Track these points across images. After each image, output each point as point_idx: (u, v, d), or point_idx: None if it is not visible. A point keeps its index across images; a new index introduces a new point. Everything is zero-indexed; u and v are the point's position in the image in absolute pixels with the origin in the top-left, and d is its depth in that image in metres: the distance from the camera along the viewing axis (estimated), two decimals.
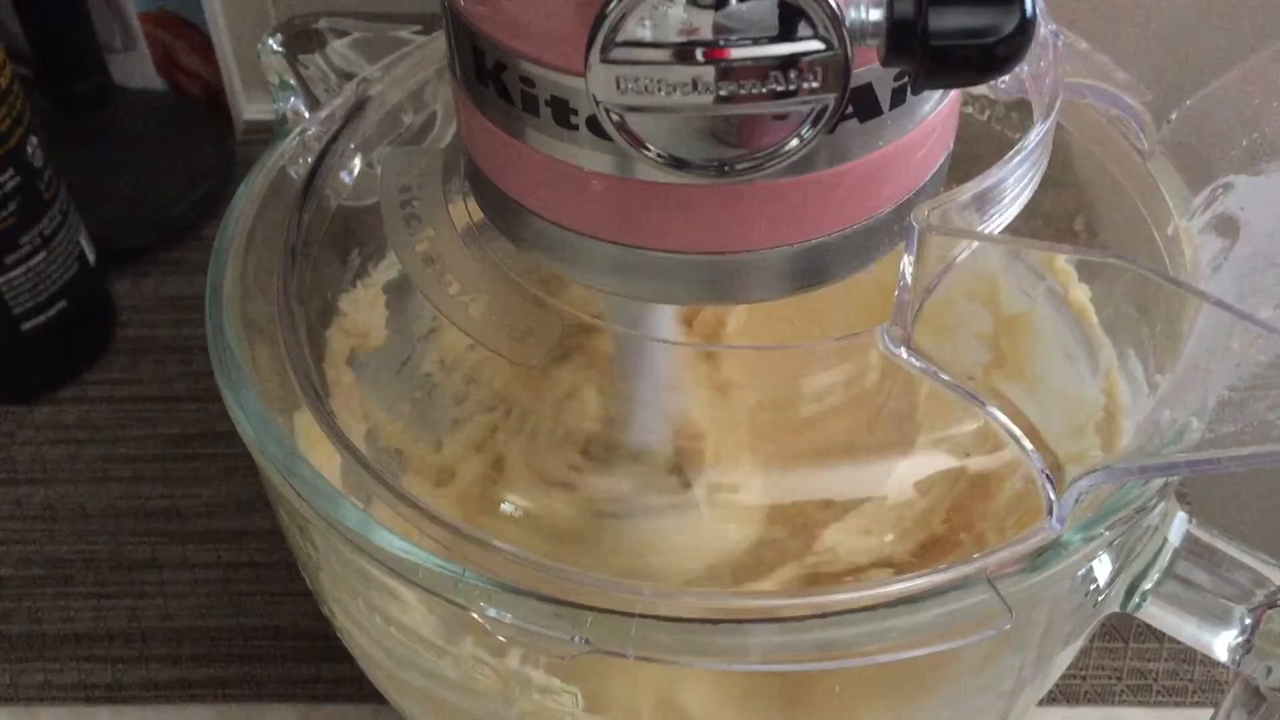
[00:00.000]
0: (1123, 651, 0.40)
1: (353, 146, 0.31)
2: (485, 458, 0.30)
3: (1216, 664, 0.32)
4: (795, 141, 0.20)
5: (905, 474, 0.28)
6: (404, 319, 0.32)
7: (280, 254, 0.29)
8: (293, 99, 0.32)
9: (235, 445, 0.26)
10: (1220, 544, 0.26)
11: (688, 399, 0.29)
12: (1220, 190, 0.27)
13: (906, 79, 0.22)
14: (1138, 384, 0.30)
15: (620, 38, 0.19)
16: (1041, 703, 0.35)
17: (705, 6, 0.19)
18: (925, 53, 0.19)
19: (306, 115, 0.31)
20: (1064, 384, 0.31)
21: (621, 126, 0.20)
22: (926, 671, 0.27)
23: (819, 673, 0.26)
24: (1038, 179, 0.25)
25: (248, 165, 0.31)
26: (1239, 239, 0.26)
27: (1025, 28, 0.19)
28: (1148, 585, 0.26)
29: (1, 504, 0.45)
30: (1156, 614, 0.26)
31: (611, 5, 0.19)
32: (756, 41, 0.19)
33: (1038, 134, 0.24)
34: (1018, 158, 0.24)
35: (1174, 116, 0.28)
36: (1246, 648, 0.26)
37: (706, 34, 0.19)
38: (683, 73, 0.19)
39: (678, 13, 0.19)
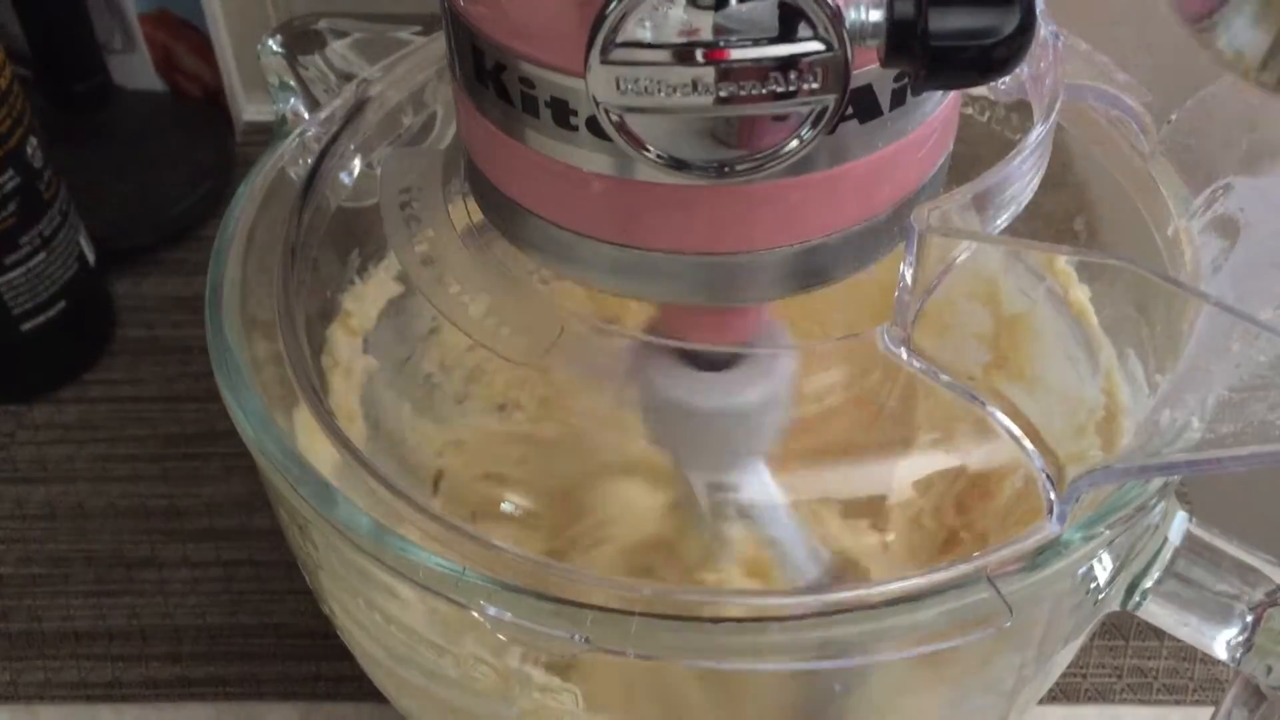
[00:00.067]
0: (1123, 650, 0.40)
1: (352, 147, 0.31)
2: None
3: (1217, 662, 0.32)
4: (795, 142, 0.20)
5: (905, 474, 0.28)
6: (404, 319, 0.32)
7: (280, 254, 0.29)
8: (292, 100, 0.32)
9: (235, 445, 0.26)
10: (1220, 543, 0.26)
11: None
12: (1220, 191, 0.27)
13: (906, 80, 0.22)
14: (1138, 384, 0.30)
15: (620, 38, 0.19)
16: (1042, 701, 0.35)
17: (705, 7, 0.19)
18: (925, 54, 0.19)
19: (306, 116, 0.31)
20: (1064, 384, 0.31)
21: (621, 127, 0.20)
22: (926, 671, 0.27)
23: (819, 672, 0.27)
24: (1038, 180, 0.25)
25: (248, 165, 0.31)
26: (1239, 239, 0.26)
27: (1025, 29, 0.19)
28: (1148, 584, 0.26)
29: (1, 503, 0.45)
30: (1157, 612, 0.27)
31: (611, 6, 0.19)
32: (756, 42, 0.19)
33: (1038, 135, 0.24)
34: (1018, 158, 0.24)
35: (1174, 117, 0.28)
36: (1247, 646, 0.26)
37: (706, 35, 0.19)
38: (682, 74, 0.19)
39: (678, 14, 0.19)
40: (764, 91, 0.19)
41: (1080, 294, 0.31)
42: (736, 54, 0.19)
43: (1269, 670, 0.26)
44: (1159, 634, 0.27)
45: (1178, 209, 0.29)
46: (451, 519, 0.25)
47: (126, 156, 0.54)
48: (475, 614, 0.24)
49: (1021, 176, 0.24)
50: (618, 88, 0.20)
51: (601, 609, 0.23)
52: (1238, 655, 0.26)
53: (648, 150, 0.21)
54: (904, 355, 0.24)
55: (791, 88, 0.19)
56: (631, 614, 0.23)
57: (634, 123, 0.20)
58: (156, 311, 0.51)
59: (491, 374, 0.31)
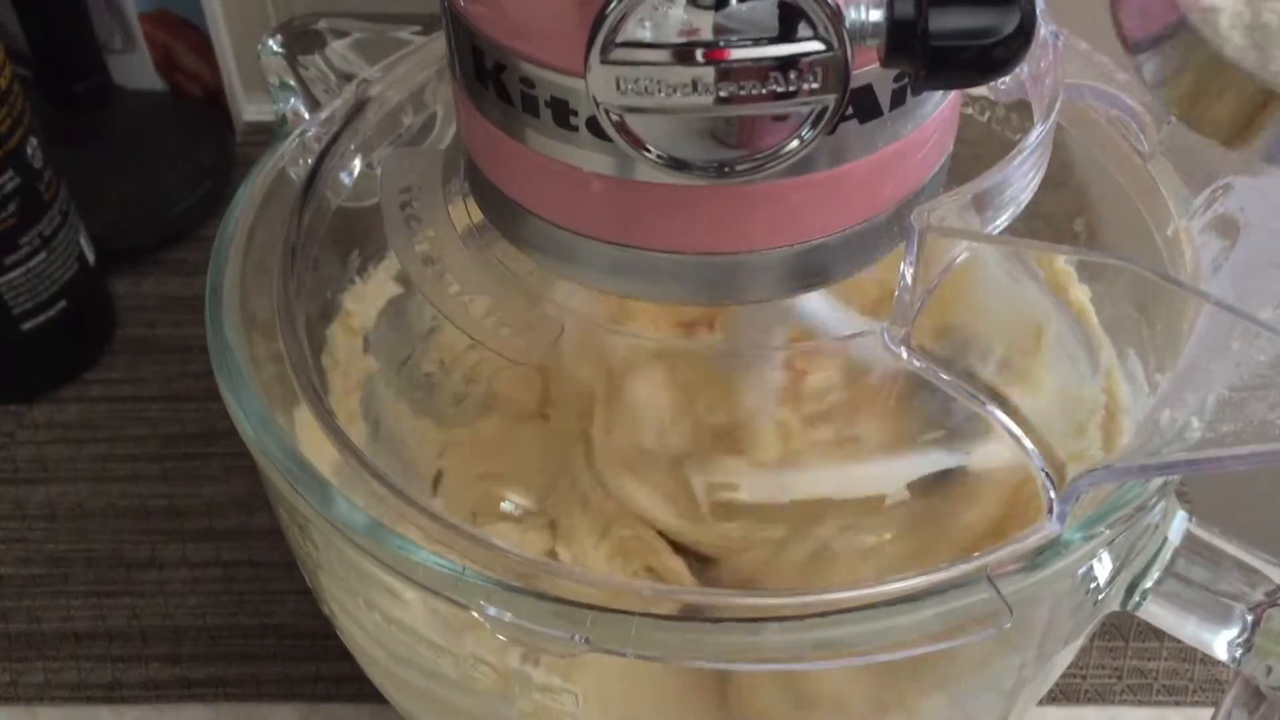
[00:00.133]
0: (1123, 651, 0.40)
1: (353, 147, 0.31)
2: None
3: (1217, 663, 0.32)
4: (795, 142, 0.20)
5: (904, 473, 0.28)
6: (404, 319, 0.32)
7: (280, 254, 0.29)
8: (293, 100, 0.32)
9: (235, 445, 0.26)
10: (1220, 543, 0.26)
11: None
12: (1220, 191, 0.27)
13: (906, 80, 0.22)
14: (1138, 384, 0.30)
15: (620, 38, 0.19)
16: (1042, 702, 0.35)
17: (705, 7, 0.19)
18: (925, 54, 0.19)
19: (306, 116, 0.31)
20: (1064, 383, 0.31)
21: (621, 127, 0.20)
22: (926, 671, 0.27)
23: (819, 672, 0.27)
24: (1038, 180, 0.25)
25: (248, 165, 0.31)
26: (1239, 239, 0.26)
27: (1025, 29, 0.19)
28: (1148, 584, 0.26)
29: (1, 503, 0.45)
30: (1157, 613, 0.27)
31: (611, 6, 0.19)
32: (756, 42, 0.19)
33: (1038, 135, 0.24)
34: (1018, 158, 0.24)
35: (1174, 117, 0.28)
36: (1247, 646, 0.26)
37: (706, 35, 0.19)
38: (682, 74, 0.19)
39: (678, 13, 0.19)
40: (764, 91, 0.19)
41: (1080, 293, 0.31)
42: (736, 54, 0.19)
43: (1269, 671, 0.26)
44: (1159, 635, 0.27)
45: (1178, 209, 0.29)
46: (451, 519, 0.25)
47: (126, 156, 0.54)
48: (475, 614, 0.24)
49: (1021, 176, 0.24)
50: (618, 88, 0.20)
51: (601, 609, 0.23)
52: (1237, 656, 0.26)
53: (648, 150, 0.21)
54: (904, 355, 0.24)
55: (791, 88, 0.19)
56: (631, 614, 0.23)
57: (634, 123, 0.20)
58: (156, 311, 0.51)
59: (491, 374, 0.31)
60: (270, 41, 0.32)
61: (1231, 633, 0.26)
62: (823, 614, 0.23)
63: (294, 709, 0.39)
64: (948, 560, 0.24)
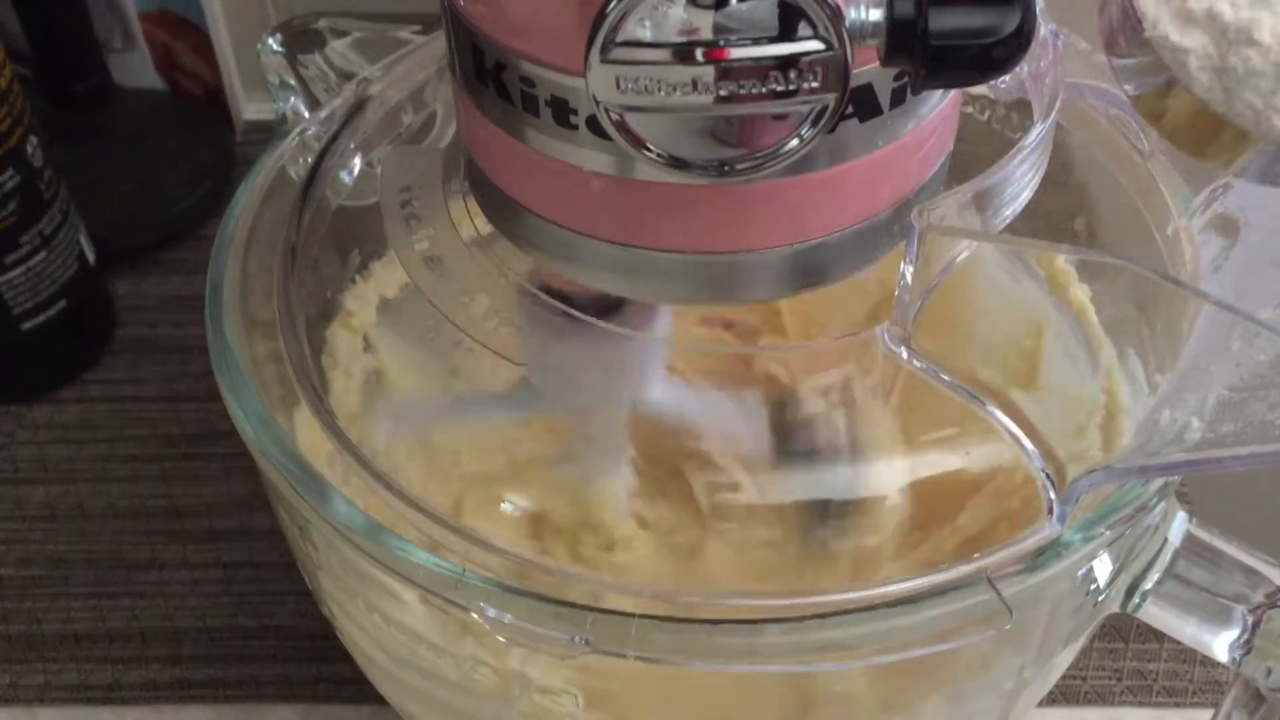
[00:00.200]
0: (1123, 652, 0.40)
1: (353, 146, 0.31)
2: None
3: (1216, 664, 0.32)
4: (795, 141, 0.20)
5: (905, 474, 0.28)
6: (404, 318, 0.32)
7: (280, 253, 0.29)
8: (293, 99, 0.32)
9: (235, 445, 0.26)
10: (1220, 544, 0.26)
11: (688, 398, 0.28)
12: (1220, 190, 0.27)
13: (906, 79, 0.22)
14: (1138, 384, 0.30)
15: (620, 38, 0.19)
16: (1042, 703, 0.35)
17: (705, 6, 0.19)
18: (925, 53, 0.19)
19: (306, 115, 0.31)
20: (1064, 384, 0.31)
21: (621, 126, 0.20)
22: (926, 671, 0.27)
23: (819, 673, 0.26)
24: (1038, 179, 0.24)
25: (248, 165, 0.31)
26: (1239, 238, 0.26)
27: (1025, 28, 0.19)
28: (1148, 585, 0.26)
29: (1, 504, 0.45)
30: (1157, 614, 0.26)
31: (611, 5, 0.19)
32: (756, 41, 0.19)
33: (1038, 134, 0.24)
34: (1018, 157, 0.24)
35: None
36: (1247, 648, 0.26)
37: (706, 34, 0.19)
38: (682, 73, 0.19)
39: (678, 13, 0.19)
40: (764, 90, 0.19)
41: (1080, 293, 0.31)
42: (736, 53, 0.19)
43: (1269, 672, 0.26)
44: (1159, 636, 0.27)
45: (1178, 208, 0.28)
46: (451, 519, 0.25)
47: (126, 156, 0.54)
48: (475, 615, 0.24)
49: (1021, 176, 0.24)
50: (618, 87, 0.20)
51: (602, 610, 0.23)
52: (1237, 657, 0.26)
53: (648, 149, 0.21)
54: (904, 354, 0.24)
55: (791, 87, 0.19)
56: (631, 615, 0.23)
57: (634, 122, 0.20)
58: (156, 311, 0.51)
59: (491, 373, 0.31)
60: (270, 40, 0.32)
61: (1231, 634, 0.26)
62: (823, 615, 0.23)
63: (294, 710, 0.39)
64: (947, 561, 0.24)
